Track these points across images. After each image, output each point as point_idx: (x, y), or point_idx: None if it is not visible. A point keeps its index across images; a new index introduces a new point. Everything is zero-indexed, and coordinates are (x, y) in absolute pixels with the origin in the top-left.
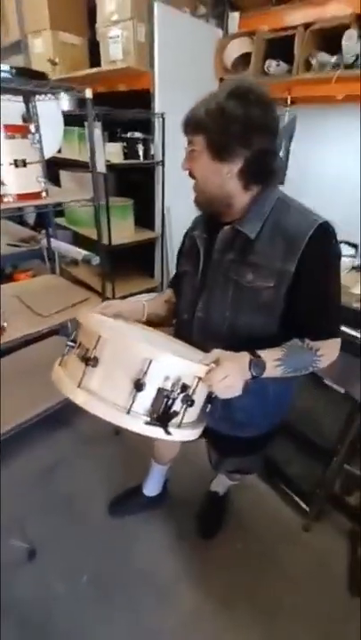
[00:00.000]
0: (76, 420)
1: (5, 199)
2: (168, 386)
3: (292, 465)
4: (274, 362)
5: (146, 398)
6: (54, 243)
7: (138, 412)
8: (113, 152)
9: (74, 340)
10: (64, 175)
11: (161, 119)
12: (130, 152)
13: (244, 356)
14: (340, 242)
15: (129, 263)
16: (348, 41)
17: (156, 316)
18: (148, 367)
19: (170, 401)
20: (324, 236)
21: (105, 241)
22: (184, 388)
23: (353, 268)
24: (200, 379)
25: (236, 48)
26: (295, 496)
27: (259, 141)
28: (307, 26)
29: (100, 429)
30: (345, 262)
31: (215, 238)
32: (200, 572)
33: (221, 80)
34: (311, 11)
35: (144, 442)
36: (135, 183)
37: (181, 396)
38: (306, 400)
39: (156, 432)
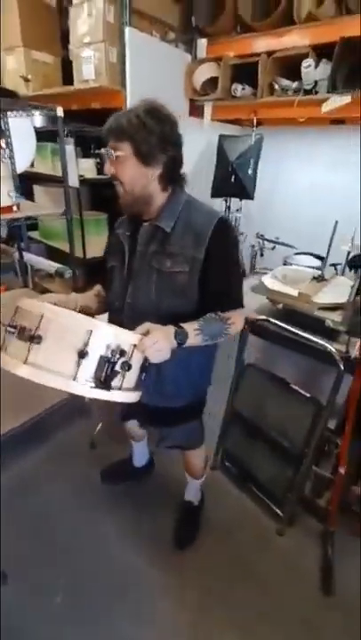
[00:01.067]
0: (49, 436)
1: None
2: (108, 353)
3: (263, 470)
4: (194, 331)
5: (89, 365)
6: (27, 256)
7: (84, 378)
8: (86, 167)
9: (13, 326)
10: (38, 190)
11: None
12: (103, 167)
13: (170, 328)
14: (307, 253)
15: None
16: (307, 69)
17: (87, 308)
18: (89, 337)
19: (110, 366)
20: (224, 227)
21: (79, 254)
22: (122, 354)
23: (314, 278)
24: (135, 346)
25: (204, 72)
26: (268, 500)
27: (172, 150)
28: (269, 53)
29: (74, 443)
30: (306, 272)
31: (137, 235)
32: (175, 580)
33: (192, 101)
34: (272, 40)
35: (119, 454)
36: (109, 198)
37: (120, 361)
38: (274, 405)
39: (100, 394)
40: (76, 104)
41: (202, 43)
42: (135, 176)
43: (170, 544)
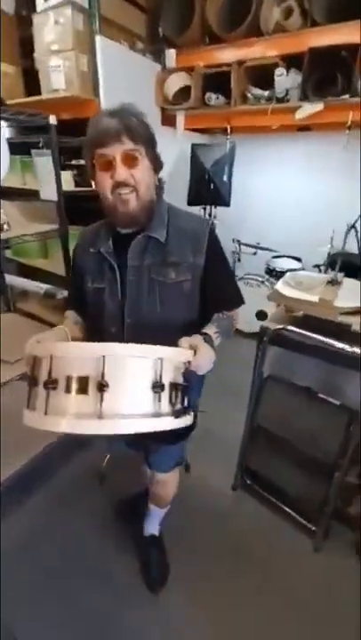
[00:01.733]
0: (54, 474)
1: None
2: (177, 377)
3: (293, 485)
4: (214, 334)
5: (165, 396)
6: (8, 277)
7: (165, 411)
8: (64, 180)
9: (52, 381)
10: (5, 205)
11: None
12: (81, 179)
13: (199, 337)
14: (284, 256)
15: None
16: (280, 77)
17: (74, 340)
18: (161, 366)
19: (181, 389)
20: (213, 230)
21: (60, 272)
22: (184, 374)
23: (329, 282)
24: (189, 363)
25: (175, 81)
26: (299, 517)
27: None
28: (240, 63)
29: (80, 480)
30: (318, 277)
31: (125, 249)
32: (210, 615)
33: (163, 110)
34: (241, 51)
35: (133, 484)
36: (87, 210)
37: (183, 382)
38: (301, 416)
39: (181, 422)
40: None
41: (171, 53)
42: (149, 182)
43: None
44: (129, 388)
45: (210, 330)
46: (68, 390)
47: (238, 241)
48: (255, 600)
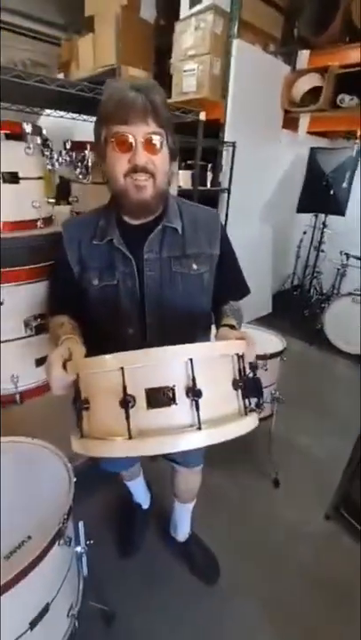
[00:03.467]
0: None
1: None
2: (248, 371)
3: None
4: (237, 325)
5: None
6: None
7: (248, 409)
8: (182, 179)
9: (129, 398)
10: None
11: (231, 148)
12: (198, 179)
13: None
14: None
15: None
16: None
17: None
18: (243, 362)
19: (253, 383)
20: (222, 223)
21: None
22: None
23: None
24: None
25: (306, 82)
26: None
27: None
28: None
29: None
30: None
31: (132, 242)
32: None
33: (286, 112)
34: None
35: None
36: None
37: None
38: None
39: (257, 418)
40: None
41: (304, 54)
42: (167, 170)
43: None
44: (219, 390)
45: (231, 321)
46: (151, 405)
47: (347, 254)
48: None
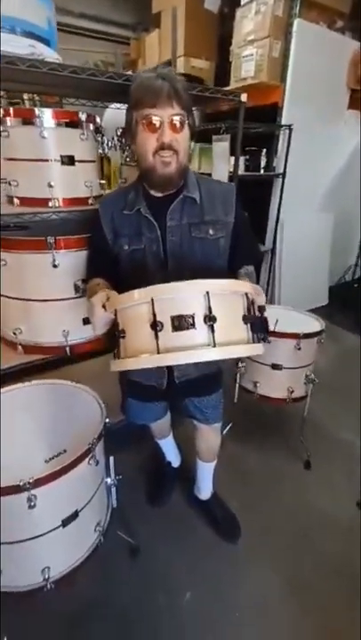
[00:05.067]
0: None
1: (50, 203)
2: (254, 308)
3: None
4: None
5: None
6: None
7: (255, 338)
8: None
9: (158, 323)
10: None
11: (288, 131)
12: (252, 165)
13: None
14: None
15: None
16: None
17: None
18: (250, 299)
19: (260, 318)
20: (236, 194)
21: None
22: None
23: None
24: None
25: None
26: None
27: None
28: None
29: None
30: None
31: (157, 211)
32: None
33: (353, 91)
34: None
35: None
36: (249, 197)
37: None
38: None
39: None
40: (226, 105)
41: None
42: (187, 147)
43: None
44: (231, 320)
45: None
46: (176, 329)
47: None
48: None
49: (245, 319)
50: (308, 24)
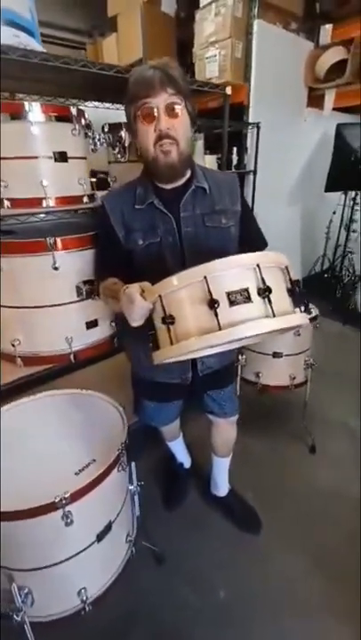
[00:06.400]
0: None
1: (44, 203)
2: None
3: None
4: None
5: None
6: None
7: (298, 309)
8: (208, 163)
9: (214, 301)
10: None
11: (256, 129)
12: (223, 162)
13: None
14: None
15: None
16: None
17: None
18: (289, 273)
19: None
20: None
21: None
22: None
23: None
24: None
25: (331, 56)
26: None
27: None
28: None
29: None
30: None
31: (168, 204)
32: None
33: (311, 90)
34: None
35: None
36: None
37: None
38: None
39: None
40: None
41: (326, 28)
42: (188, 135)
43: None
44: (279, 292)
45: None
46: (233, 304)
47: None
48: None
49: (290, 292)
50: (268, 25)
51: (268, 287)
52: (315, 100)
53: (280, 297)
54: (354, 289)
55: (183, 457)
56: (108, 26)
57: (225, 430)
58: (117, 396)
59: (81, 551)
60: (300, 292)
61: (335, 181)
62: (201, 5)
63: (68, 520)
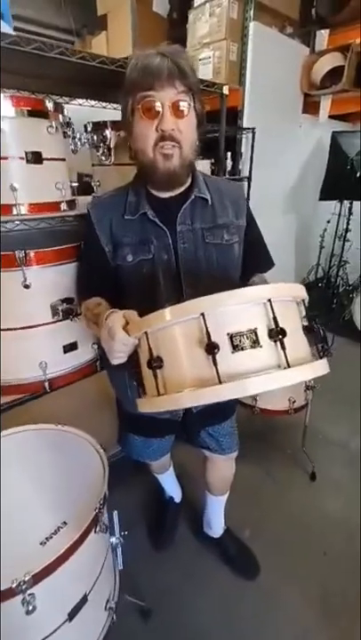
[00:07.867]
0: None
1: (15, 210)
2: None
3: None
4: None
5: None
6: None
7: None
8: (202, 168)
9: (215, 344)
10: None
11: (251, 134)
12: (217, 168)
13: None
14: None
15: None
16: None
17: None
18: (304, 308)
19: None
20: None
21: None
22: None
23: None
24: None
25: (327, 62)
26: None
27: None
28: None
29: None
30: None
31: (166, 214)
32: None
33: (306, 96)
34: None
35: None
36: None
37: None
38: None
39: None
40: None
41: (322, 34)
42: (193, 139)
43: None
44: (295, 332)
45: None
46: (236, 349)
47: None
48: None
49: (306, 329)
50: (264, 27)
51: (281, 329)
52: (310, 106)
53: (296, 340)
54: (349, 299)
55: (173, 490)
56: (97, 24)
57: (222, 468)
58: (99, 419)
59: (48, 636)
60: (319, 329)
61: (330, 190)
62: (195, 5)
63: (30, 607)
